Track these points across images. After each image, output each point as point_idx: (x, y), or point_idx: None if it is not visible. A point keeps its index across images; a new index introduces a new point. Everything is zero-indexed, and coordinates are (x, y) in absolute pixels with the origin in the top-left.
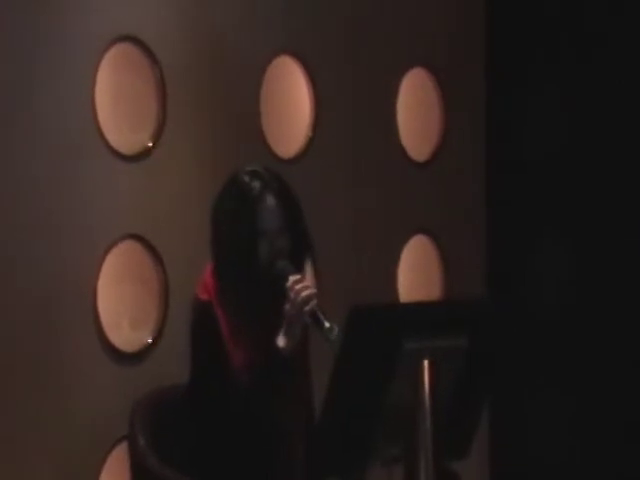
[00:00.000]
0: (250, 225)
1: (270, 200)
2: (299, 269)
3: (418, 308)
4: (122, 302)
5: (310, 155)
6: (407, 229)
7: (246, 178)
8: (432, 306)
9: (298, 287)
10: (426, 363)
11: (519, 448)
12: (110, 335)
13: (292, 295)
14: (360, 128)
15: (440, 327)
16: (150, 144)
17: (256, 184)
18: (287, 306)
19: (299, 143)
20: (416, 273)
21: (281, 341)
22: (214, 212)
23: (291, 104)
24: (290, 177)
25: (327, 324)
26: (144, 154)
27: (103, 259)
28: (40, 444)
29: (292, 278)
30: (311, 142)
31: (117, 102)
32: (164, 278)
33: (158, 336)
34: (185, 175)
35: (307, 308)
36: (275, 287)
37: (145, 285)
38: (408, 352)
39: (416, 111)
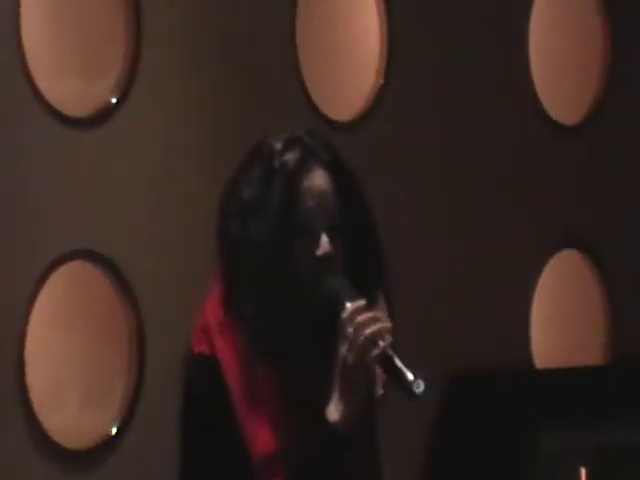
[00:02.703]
0: (284, 220)
1: (316, 180)
2: (362, 292)
3: (566, 378)
4: (67, 365)
5: (379, 116)
6: (547, 239)
7: (279, 146)
8: (591, 375)
9: (361, 319)
10: (582, 472)
11: None
12: (47, 422)
13: (351, 332)
14: (462, 71)
15: (606, 411)
16: (113, 100)
17: (294, 155)
18: (343, 350)
19: (362, 98)
20: (561, 307)
21: (333, 411)
22: (227, 200)
23: (348, 36)
24: (348, 150)
25: (409, 375)
26: (103, 116)
27: (36, 292)
28: None
29: (351, 305)
30: (381, 95)
31: (59, 35)
32: (137, 323)
33: (127, 421)
34: (171, 149)
35: (376, 351)
36: (323, 320)
37: (105, 335)
38: (549, 452)
39: (560, 42)
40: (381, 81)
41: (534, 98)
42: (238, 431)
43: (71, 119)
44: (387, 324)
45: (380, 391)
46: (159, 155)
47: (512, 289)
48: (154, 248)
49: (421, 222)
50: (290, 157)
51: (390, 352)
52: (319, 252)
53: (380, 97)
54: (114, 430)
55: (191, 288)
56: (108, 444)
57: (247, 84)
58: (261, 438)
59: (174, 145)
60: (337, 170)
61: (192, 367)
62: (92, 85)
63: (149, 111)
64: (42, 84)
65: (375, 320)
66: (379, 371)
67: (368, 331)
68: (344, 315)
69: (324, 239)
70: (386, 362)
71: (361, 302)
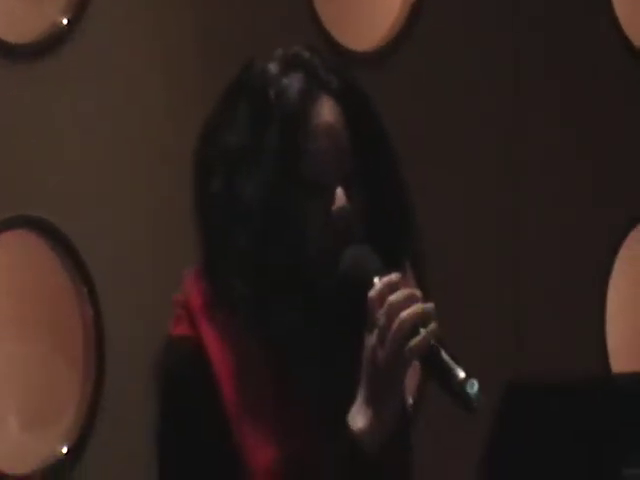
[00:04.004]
0: (284, 170)
1: (325, 114)
2: (392, 266)
3: None
4: (3, 371)
5: (411, 44)
6: (626, 211)
7: (274, 68)
8: None
9: (395, 298)
10: None
11: None
12: None
13: (382, 316)
14: None
15: None
16: (64, 20)
17: (295, 81)
18: (372, 340)
19: (388, 21)
20: None
21: (358, 417)
22: (205, 147)
23: None
24: (372, 89)
25: (460, 372)
26: (50, 42)
27: None
28: None
29: (380, 281)
30: (413, 17)
31: None
32: (93, 313)
33: (82, 440)
34: (142, 85)
35: (416, 341)
36: (341, 302)
37: (53, 329)
38: None
39: None
40: None
41: (614, 23)
42: (231, 432)
43: (7, 46)
44: (429, 305)
45: (409, 400)
46: (121, 95)
47: (581, 274)
48: (118, 216)
49: (466, 188)
50: (289, 84)
51: (435, 342)
52: (334, 208)
53: (412, 19)
54: (63, 450)
55: (164, 268)
56: (57, 468)
57: (237, 7)
58: (258, 452)
59: (146, 80)
60: (350, 100)
61: (172, 351)
62: (34, 2)
63: (111, 35)
64: None
65: (414, 299)
66: (412, 371)
67: (405, 314)
68: (372, 294)
69: (339, 193)
70: (429, 356)
71: (394, 276)
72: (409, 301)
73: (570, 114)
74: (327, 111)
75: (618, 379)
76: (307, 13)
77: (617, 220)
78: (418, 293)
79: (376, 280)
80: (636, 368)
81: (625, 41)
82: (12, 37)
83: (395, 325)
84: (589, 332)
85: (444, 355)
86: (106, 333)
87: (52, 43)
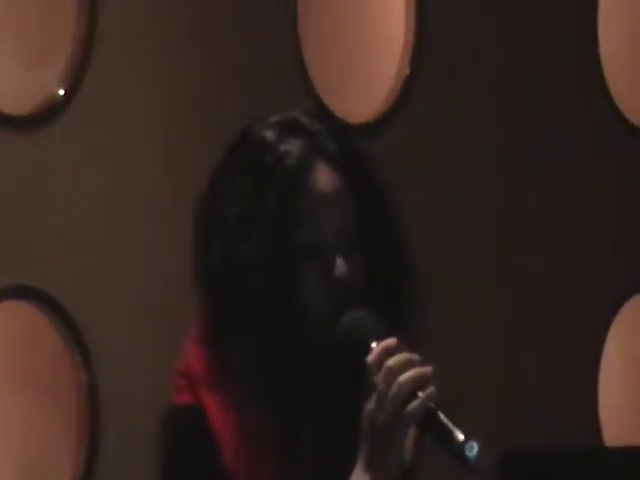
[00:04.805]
0: (283, 238)
1: (323, 181)
2: (391, 329)
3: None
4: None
5: (405, 115)
6: (620, 282)
7: (272, 134)
8: None
9: (393, 362)
10: None
11: None
12: None
13: (381, 381)
14: (514, 60)
15: None
16: (60, 91)
17: (294, 147)
18: (371, 405)
19: (383, 93)
20: (637, 364)
21: None
22: (204, 217)
23: (363, 17)
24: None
25: (459, 435)
26: (47, 113)
27: None
28: None
29: (378, 345)
30: (407, 90)
31: None
32: (90, 381)
33: None
34: (135, 156)
35: (414, 405)
36: (339, 368)
37: (47, 398)
38: None
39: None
40: (406, 71)
41: (605, 97)
42: None
43: (5, 117)
44: (428, 368)
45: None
46: (119, 163)
47: (576, 345)
48: (112, 284)
49: (465, 253)
50: (288, 150)
51: (433, 405)
52: (332, 274)
53: (405, 92)
54: None
55: (160, 336)
56: None
57: (232, 75)
58: None
59: (145, 147)
60: (348, 165)
61: (175, 421)
62: (33, 73)
63: (106, 107)
64: None
65: (412, 363)
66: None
67: (402, 378)
68: (370, 359)
69: (338, 260)
70: (428, 419)
71: (391, 340)
72: (407, 365)
73: (568, 182)
74: (324, 178)
75: (611, 452)
76: (308, 95)
77: (612, 289)
78: (416, 357)
79: (374, 345)
80: (629, 441)
81: (621, 118)
82: (10, 108)
83: (393, 389)
84: (582, 403)
85: (442, 418)
86: (101, 402)
87: (50, 113)
